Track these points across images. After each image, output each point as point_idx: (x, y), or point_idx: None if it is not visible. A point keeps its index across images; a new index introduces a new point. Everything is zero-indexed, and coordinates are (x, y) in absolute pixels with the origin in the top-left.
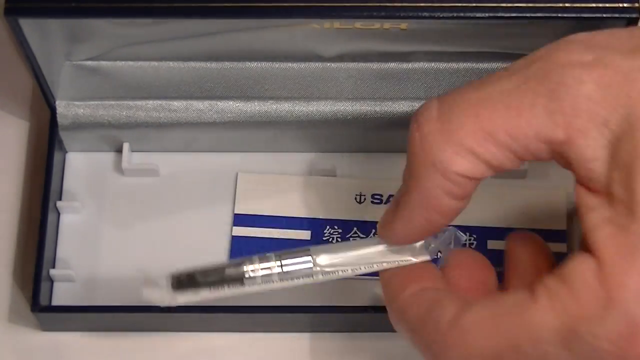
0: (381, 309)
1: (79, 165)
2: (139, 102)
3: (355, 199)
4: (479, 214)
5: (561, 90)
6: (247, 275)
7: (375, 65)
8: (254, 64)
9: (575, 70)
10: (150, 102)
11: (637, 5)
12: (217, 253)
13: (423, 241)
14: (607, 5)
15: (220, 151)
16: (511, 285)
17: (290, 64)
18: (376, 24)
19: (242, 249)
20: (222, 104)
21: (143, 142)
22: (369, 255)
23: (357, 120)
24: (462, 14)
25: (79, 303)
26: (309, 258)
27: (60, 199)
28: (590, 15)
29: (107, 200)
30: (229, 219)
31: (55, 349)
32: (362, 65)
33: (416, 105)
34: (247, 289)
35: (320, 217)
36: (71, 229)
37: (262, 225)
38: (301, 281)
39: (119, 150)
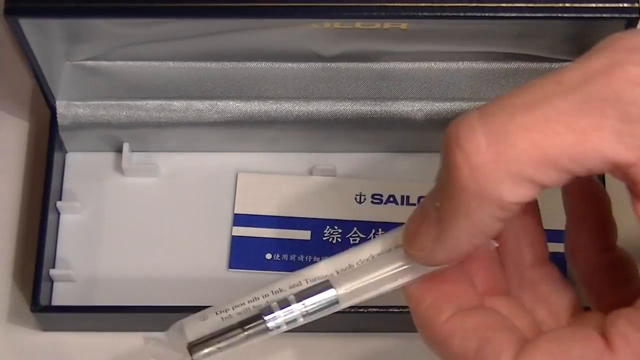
0: (381, 309)
1: (79, 165)
2: (139, 102)
3: (355, 199)
4: None
5: (632, 112)
6: (270, 327)
7: (375, 65)
8: (254, 64)
9: None
10: (150, 102)
11: (637, 5)
12: (217, 253)
13: None
14: (607, 5)
15: (220, 151)
16: None
17: (290, 64)
18: (376, 24)
19: (242, 249)
20: (222, 104)
21: (143, 142)
22: (392, 272)
23: (357, 120)
24: (462, 14)
25: (79, 303)
26: (333, 292)
27: (60, 199)
28: (590, 15)
29: (107, 200)
30: (229, 219)
31: (55, 349)
32: (362, 65)
33: (416, 105)
34: (273, 332)
35: (320, 217)
36: (71, 229)
37: (262, 225)
38: (326, 312)
39: (119, 150)
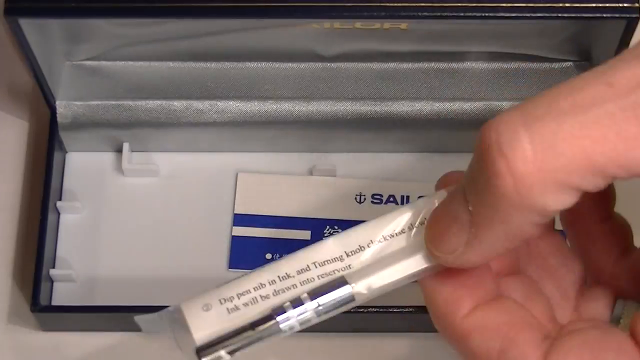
0: (381, 309)
1: (79, 165)
2: (139, 102)
3: (355, 199)
4: None
5: None
6: (283, 329)
7: (375, 65)
8: (254, 64)
9: None
10: (150, 102)
11: (637, 5)
12: (217, 253)
13: None
14: (607, 5)
15: (220, 151)
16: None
17: (290, 64)
18: (376, 24)
19: (242, 248)
20: (222, 104)
21: (143, 142)
22: (409, 265)
23: (357, 120)
24: (462, 14)
25: (79, 303)
26: (348, 288)
27: (60, 199)
28: (590, 15)
29: (107, 200)
30: (229, 219)
31: (55, 349)
32: (362, 65)
33: (417, 105)
34: (287, 333)
35: (320, 217)
36: (71, 229)
37: (262, 225)
38: (342, 309)
39: (119, 150)
